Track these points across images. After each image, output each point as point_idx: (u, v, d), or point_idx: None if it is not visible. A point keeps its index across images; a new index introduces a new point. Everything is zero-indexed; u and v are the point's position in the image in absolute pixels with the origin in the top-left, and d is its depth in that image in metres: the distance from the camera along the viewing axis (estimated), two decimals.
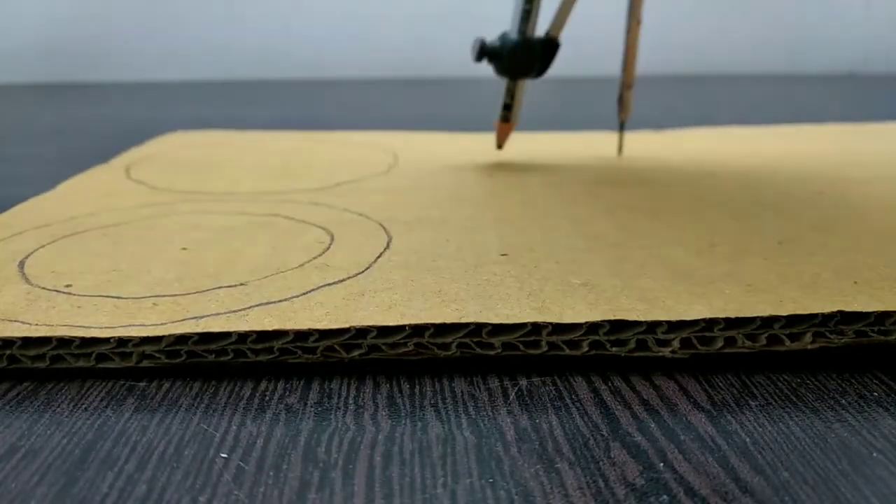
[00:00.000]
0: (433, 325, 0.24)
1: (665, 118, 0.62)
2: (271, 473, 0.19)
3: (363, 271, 0.29)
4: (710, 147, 0.54)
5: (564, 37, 0.44)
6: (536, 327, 0.24)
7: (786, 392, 0.22)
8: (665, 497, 0.17)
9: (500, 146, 0.50)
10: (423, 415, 0.21)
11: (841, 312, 0.24)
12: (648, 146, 0.55)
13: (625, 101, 0.50)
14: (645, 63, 1.01)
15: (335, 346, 0.24)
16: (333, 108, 0.86)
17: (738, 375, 0.23)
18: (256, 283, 0.27)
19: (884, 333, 0.24)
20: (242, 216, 0.37)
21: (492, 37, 0.45)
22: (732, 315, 0.24)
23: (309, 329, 0.23)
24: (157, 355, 0.23)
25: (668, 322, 0.24)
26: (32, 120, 0.81)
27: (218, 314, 0.25)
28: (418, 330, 0.24)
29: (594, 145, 0.56)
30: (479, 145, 0.56)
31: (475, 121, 0.65)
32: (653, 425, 0.21)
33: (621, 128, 0.52)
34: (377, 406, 0.22)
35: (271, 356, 0.24)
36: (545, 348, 0.24)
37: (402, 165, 0.49)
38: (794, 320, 0.24)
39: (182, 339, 0.23)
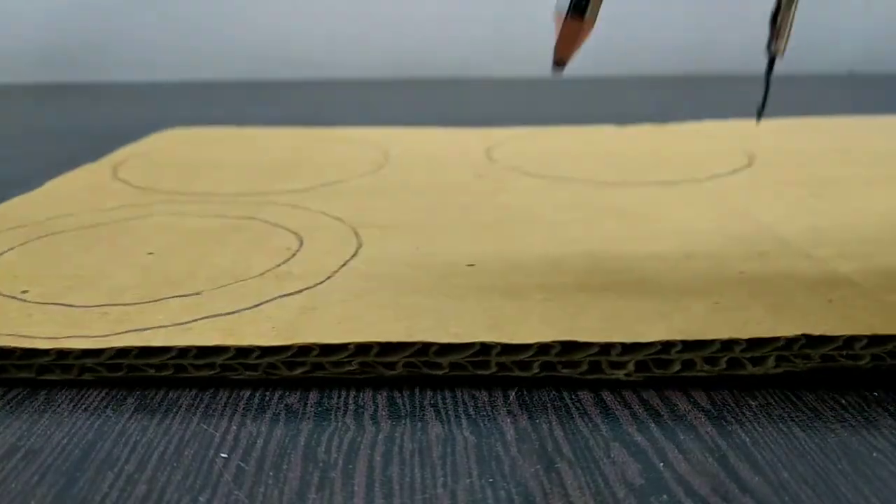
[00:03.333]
0: (378, 343, 0.23)
1: (665, 118, 0.62)
2: (271, 473, 0.19)
3: (323, 282, 0.28)
4: (709, 145, 0.54)
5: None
6: (485, 347, 0.22)
7: (786, 392, 0.22)
8: (665, 497, 0.17)
9: (562, 61, 0.28)
10: (423, 415, 0.21)
11: (805, 336, 0.22)
12: (645, 144, 0.55)
13: (782, 21, 0.30)
14: (644, 64, 1.02)
15: (277, 363, 0.23)
16: (333, 109, 0.86)
17: (737, 375, 0.23)
18: (211, 293, 0.26)
19: (853, 358, 0.22)
20: (218, 218, 0.36)
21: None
22: (690, 338, 0.22)
23: (250, 345, 0.22)
24: (98, 368, 0.23)
25: (622, 344, 0.22)
26: (31, 120, 0.81)
27: (162, 326, 0.24)
28: (363, 348, 0.23)
29: (594, 141, 0.55)
30: (475, 142, 0.55)
31: (474, 121, 0.65)
32: (653, 425, 0.21)
33: (770, 68, 0.31)
34: (377, 406, 0.22)
35: (213, 372, 0.23)
36: (495, 369, 0.22)
37: (392, 165, 0.48)
38: (755, 343, 0.22)
39: (122, 352, 0.22)
